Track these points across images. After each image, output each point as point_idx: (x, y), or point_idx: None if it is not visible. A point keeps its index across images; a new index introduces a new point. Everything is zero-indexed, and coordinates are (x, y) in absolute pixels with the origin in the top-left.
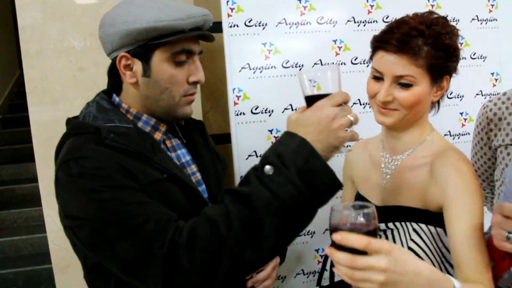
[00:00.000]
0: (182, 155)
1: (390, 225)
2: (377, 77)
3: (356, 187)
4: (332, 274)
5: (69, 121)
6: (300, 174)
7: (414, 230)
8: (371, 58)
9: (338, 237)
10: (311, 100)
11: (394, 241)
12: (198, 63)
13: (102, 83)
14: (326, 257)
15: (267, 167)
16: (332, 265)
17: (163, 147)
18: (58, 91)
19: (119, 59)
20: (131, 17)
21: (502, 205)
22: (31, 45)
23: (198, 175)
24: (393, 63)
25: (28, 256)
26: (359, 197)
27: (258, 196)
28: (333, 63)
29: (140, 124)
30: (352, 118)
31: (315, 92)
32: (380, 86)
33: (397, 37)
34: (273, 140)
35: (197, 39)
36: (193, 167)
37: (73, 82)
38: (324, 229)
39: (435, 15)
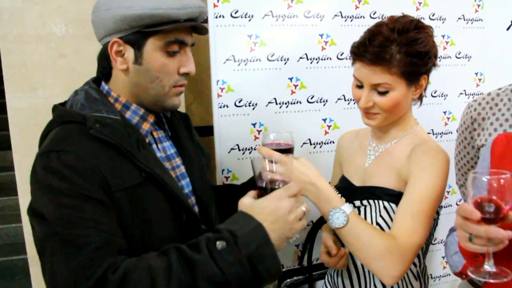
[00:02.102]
0: (167, 147)
1: (364, 202)
2: (358, 85)
3: (342, 170)
4: (310, 256)
5: (56, 108)
6: (250, 258)
7: (385, 208)
8: (352, 65)
9: (258, 148)
10: (263, 188)
11: (365, 216)
12: (190, 55)
13: (83, 70)
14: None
15: (220, 242)
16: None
17: (150, 138)
18: (37, 77)
19: (111, 45)
20: (127, 2)
21: (460, 207)
22: (9, 29)
23: (182, 168)
24: (369, 74)
25: (3, 246)
26: (343, 178)
27: (204, 267)
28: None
29: (128, 114)
30: (304, 209)
31: (267, 180)
32: (362, 93)
33: (370, 50)
34: (256, 134)
35: (191, 31)
36: (177, 160)
37: (53, 69)
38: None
39: (408, 19)
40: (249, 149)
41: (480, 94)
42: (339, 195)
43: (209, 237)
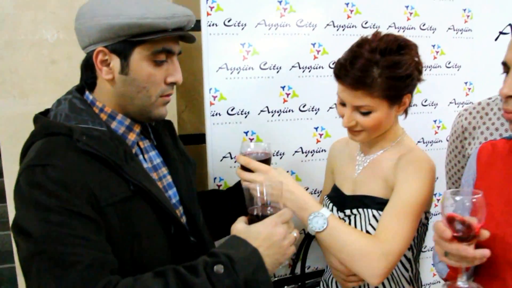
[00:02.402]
0: (153, 157)
1: (354, 211)
2: (342, 103)
3: (334, 179)
4: (303, 264)
5: (38, 119)
6: (246, 282)
7: (374, 216)
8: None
9: (237, 156)
10: (256, 216)
11: (355, 225)
12: (177, 64)
13: (75, 77)
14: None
15: (218, 266)
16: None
17: (137, 149)
18: (29, 84)
19: (96, 54)
20: (114, 10)
21: (434, 225)
22: (0, 35)
23: (169, 178)
24: (351, 96)
25: None
26: (334, 187)
27: None
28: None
29: (114, 125)
30: (295, 235)
31: (259, 207)
32: (345, 111)
33: (351, 75)
34: (248, 142)
35: (177, 40)
36: (164, 170)
37: (44, 76)
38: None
39: (392, 38)
40: None
41: (470, 103)
42: (317, 200)
43: (206, 261)
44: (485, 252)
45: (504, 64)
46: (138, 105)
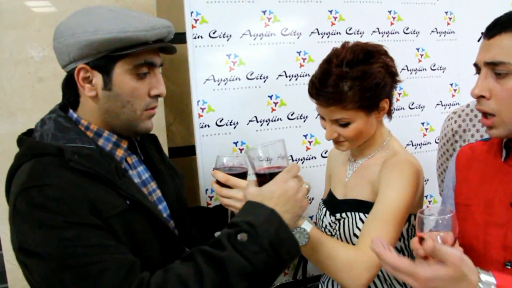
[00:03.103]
0: (142, 172)
1: (343, 214)
2: (322, 117)
3: (329, 185)
4: (305, 269)
5: (23, 140)
6: (271, 244)
7: (361, 219)
8: None
9: (212, 172)
10: (264, 175)
11: (344, 228)
12: (160, 76)
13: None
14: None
15: (241, 235)
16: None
17: (125, 164)
18: (16, 103)
19: (77, 71)
20: (93, 27)
21: (411, 242)
22: None
23: (159, 192)
24: (327, 112)
25: None
26: (329, 192)
27: (232, 262)
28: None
29: (101, 142)
30: (307, 187)
31: (266, 167)
32: (326, 125)
33: (322, 94)
34: (238, 152)
35: (158, 52)
36: (153, 184)
37: (31, 94)
38: None
39: (359, 47)
40: None
41: (456, 104)
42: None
43: (229, 232)
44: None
45: (476, 65)
46: (124, 120)
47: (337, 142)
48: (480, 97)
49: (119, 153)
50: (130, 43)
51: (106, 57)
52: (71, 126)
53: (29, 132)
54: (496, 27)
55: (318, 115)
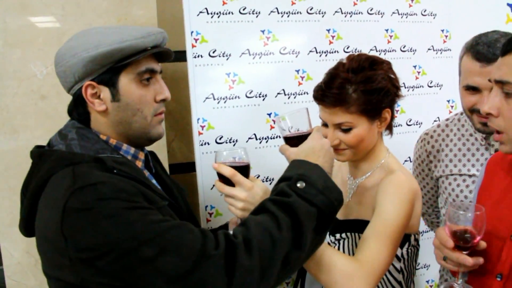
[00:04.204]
0: (156, 185)
1: (343, 235)
2: (325, 124)
3: None
4: (303, 285)
5: (49, 153)
6: (324, 189)
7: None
8: None
9: (215, 165)
10: (291, 138)
11: (343, 249)
12: (162, 81)
13: (65, 112)
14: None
15: (299, 182)
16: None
17: None
18: (19, 120)
19: (84, 89)
20: (93, 43)
21: (437, 232)
22: None
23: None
24: (330, 115)
25: None
26: None
27: (299, 205)
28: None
29: (121, 154)
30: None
31: (294, 132)
32: (328, 132)
33: (328, 94)
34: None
35: (157, 58)
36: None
37: (34, 111)
38: None
39: (364, 57)
40: None
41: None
42: None
43: (288, 183)
44: (480, 260)
45: (473, 88)
46: (136, 129)
47: (337, 150)
48: (489, 114)
49: (138, 164)
50: (130, 51)
51: (110, 70)
52: (96, 138)
53: (41, 147)
54: (510, 44)
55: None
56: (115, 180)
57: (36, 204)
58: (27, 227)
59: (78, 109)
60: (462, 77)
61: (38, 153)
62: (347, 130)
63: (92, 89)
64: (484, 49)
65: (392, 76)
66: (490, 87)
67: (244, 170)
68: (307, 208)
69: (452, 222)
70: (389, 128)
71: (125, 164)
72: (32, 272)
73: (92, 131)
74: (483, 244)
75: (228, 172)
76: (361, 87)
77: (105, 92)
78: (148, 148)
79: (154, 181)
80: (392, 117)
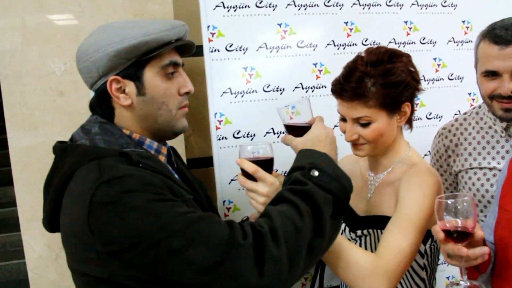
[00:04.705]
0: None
1: (365, 231)
2: (343, 119)
3: None
4: (321, 279)
5: (73, 147)
6: (335, 177)
7: None
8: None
9: (239, 160)
10: (295, 128)
11: (366, 246)
12: (185, 75)
13: (83, 108)
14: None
15: (312, 171)
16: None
17: None
18: (38, 116)
19: (109, 84)
20: (117, 37)
21: (432, 229)
22: (9, 70)
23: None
24: (349, 109)
25: (5, 283)
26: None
27: (316, 192)
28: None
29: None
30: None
31: (295, 121)
32: (346, 126)
33: (346, 88)
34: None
35: (179, 52)
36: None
37: (52, 108)
38: None
39: (383, 50)
40: None
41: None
42: None
43: (302, 173)
44: (484, 250)
45: (492, 72)
46: (162, 122)
47: (356, 145)
48: None
49: (161, 159)
50: (155, 45)
51: (134, 64)
52: (119, 133)
53: (63, 143)
54: None
55: (335, 125)
56: (141, 173)
57: (61, 199)
58: (51, 223)
59: (102, 105)
60: (479, 64)
61: (61, 148)
62: (365, 125)
63: (117, 83)
64: (502, 32)
65: (411, 69)
66: (510, 70)
67: (267, 164)
68: (324, 195)
69: (441, 214)
70: (409, 122)
71: (150, 158)
72: (53, 266)
73: (115, 125)
74: (479, 234)
75: (251, 168)
76: (380, 81)
77: (130, 87)
78: (168, 142)
79: (176, 176)
80: (412, 111)
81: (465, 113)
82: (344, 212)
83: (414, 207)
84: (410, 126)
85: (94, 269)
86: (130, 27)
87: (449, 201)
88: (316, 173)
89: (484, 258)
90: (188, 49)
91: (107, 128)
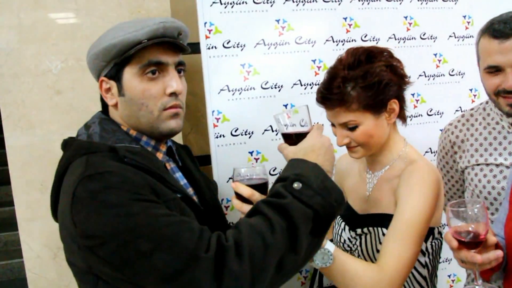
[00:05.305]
0: (180, 177)
1: (365, 230)
2: (332, 124)
3: (346, 197)
4: (321, 280)
5: (70, 142)
6: (321, 190)
7: (383, 234)
8: None
9: (234, 185)
10: (290, 136)
11: (366, 244)
12: (173, 74)
13: (79, 106)
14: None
15: (296, 183)
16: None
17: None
18: (35, 115)
19: (100, 84)
20: (98, 41)
21: (444, 236)
22: (6, 69)
23: (195, 198)
24: (334, 115)
25: (7, 282)
26: (347, 205)
27: (294, 207)
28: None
29: (142, 144)
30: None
31: (293, 129)
32: (336, 131)
33: (327, 97)
34: (254, 162)
35: (169, 50)
36: (190, 190)
37: (50, 106)
38: None
39: (361, 50)
40: None
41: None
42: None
43: (284, 184)
44: (497, 253)
45: (495, 67)
46: (145, 123)
47: (349, 148)
48: None
49: (159, 156)
50: (124, 46)
51: (115, 65)
52: (116, 128)
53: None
54: None
55: (331, 124)
56: (123, 170)
57: (59, 191)
58: (55, 214)
59: (102, 101)
60: (481, 61)
61: (64, 143)
62: (353, 128)
63: (105, 84)
64: (501, 26)
65: (394, 64)
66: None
67: (262, 188)
68: (303, 210)
69: (454, 221)
70: (401, 117)
71: (139, 154)
72: (51, 265)
73: (115, 122)
74: (492, 239)
75: (247, 192)
76: (360, 83)
77: (114, 87)
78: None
79: (178, 174)
80: (402, 106)
81: (471, 109)
82: (326, 229)
83: (415, 211)
84: (403, 121)
85: (78, 260)
86: (111, 30)
87: (460, 209)
88: (299, 186)
89: (498, 261)
90: (178, 46)
91: (105, 123)
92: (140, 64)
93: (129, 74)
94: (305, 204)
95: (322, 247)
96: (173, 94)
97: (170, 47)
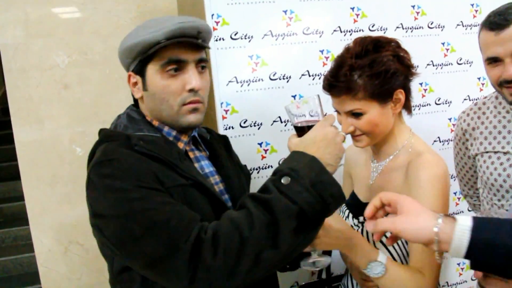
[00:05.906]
0: (205, 166)
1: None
2: (338, 112)
3: (353, 184)
4: (329, 268)
5: (101, 131)
6: (313, 185)
7: None
8: None
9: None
10: (300, 127)
11: (367, 232)
12: (193, 71)
13: (87, 100)
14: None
15: (284, 178)
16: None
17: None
18: (43, 110)
19: (128, 78)
20: (125, 39)
21: None
22: (13, 64)
23: (221, 185)
24: (340, 103)
25: (17, 276)
26: (352, 194)
27: (278, 202)
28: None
29: (164, 133)
30: (344, 134)
31: (302, 120)
32: (342, 119)
33: (334, 84)
34: (263, 153)
35: (191, 48)
36: (216, 178)
37: (58, 101)
38: None
39: (368, 40)
40: (257, 169)
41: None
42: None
43: (273, 179)
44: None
45: (494, 59)
46: (166, 116)
47: (354, 137)
48: None
49: (180, 145)
50: (145, 46)
51: (140, 61)
52: (140, 118)
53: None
54: None
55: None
56: (131, 158)
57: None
58: None
59: (132, 95)
60: (482, 54)
61: (99, 131)
62: (358, 116)
63: (132, 78)
64: (496, 18)
65: (401, 54)
66: (509, 53)
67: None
68: (288, 206)
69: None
70: (406, 107)
71: (152, 142)
72: (62, 259)
73: (141, 113)
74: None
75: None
76: (367, 72)
77: (139, 82)
78: None
79: (204, 162)
80: (408, 97)
81: (485, 97)
82: (315, 226)
83: (437, 207)
84: (409, 111)
85: (96, 239)
86: (137, 28)
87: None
88: (288, 181)
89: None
90: (195, 44)
91: (131, 114)
92: (161, 62)
93: (152, 71)
94: (290, 200)
95: (375, 260)
96: (192, 90)
97: (190, 45)
